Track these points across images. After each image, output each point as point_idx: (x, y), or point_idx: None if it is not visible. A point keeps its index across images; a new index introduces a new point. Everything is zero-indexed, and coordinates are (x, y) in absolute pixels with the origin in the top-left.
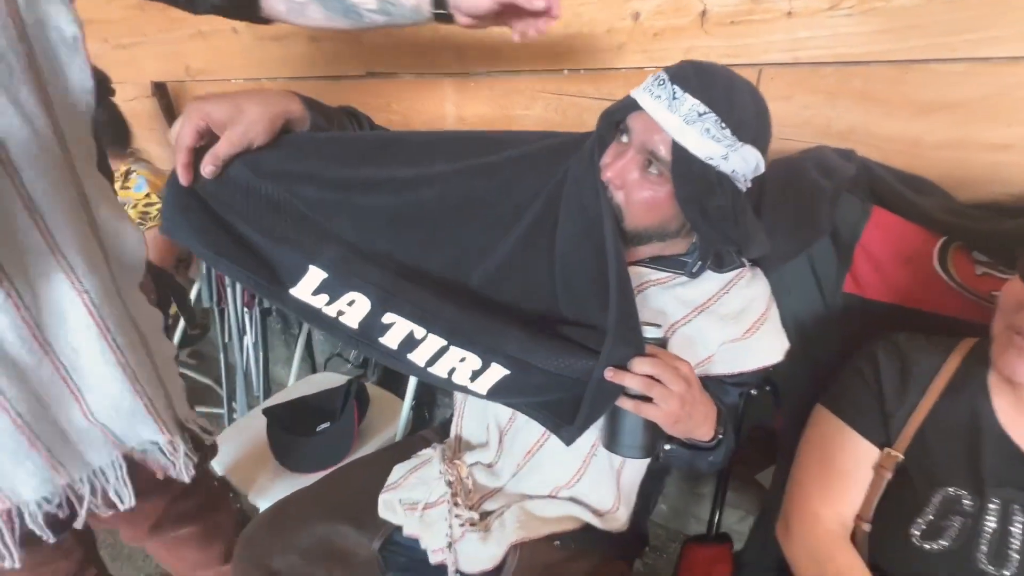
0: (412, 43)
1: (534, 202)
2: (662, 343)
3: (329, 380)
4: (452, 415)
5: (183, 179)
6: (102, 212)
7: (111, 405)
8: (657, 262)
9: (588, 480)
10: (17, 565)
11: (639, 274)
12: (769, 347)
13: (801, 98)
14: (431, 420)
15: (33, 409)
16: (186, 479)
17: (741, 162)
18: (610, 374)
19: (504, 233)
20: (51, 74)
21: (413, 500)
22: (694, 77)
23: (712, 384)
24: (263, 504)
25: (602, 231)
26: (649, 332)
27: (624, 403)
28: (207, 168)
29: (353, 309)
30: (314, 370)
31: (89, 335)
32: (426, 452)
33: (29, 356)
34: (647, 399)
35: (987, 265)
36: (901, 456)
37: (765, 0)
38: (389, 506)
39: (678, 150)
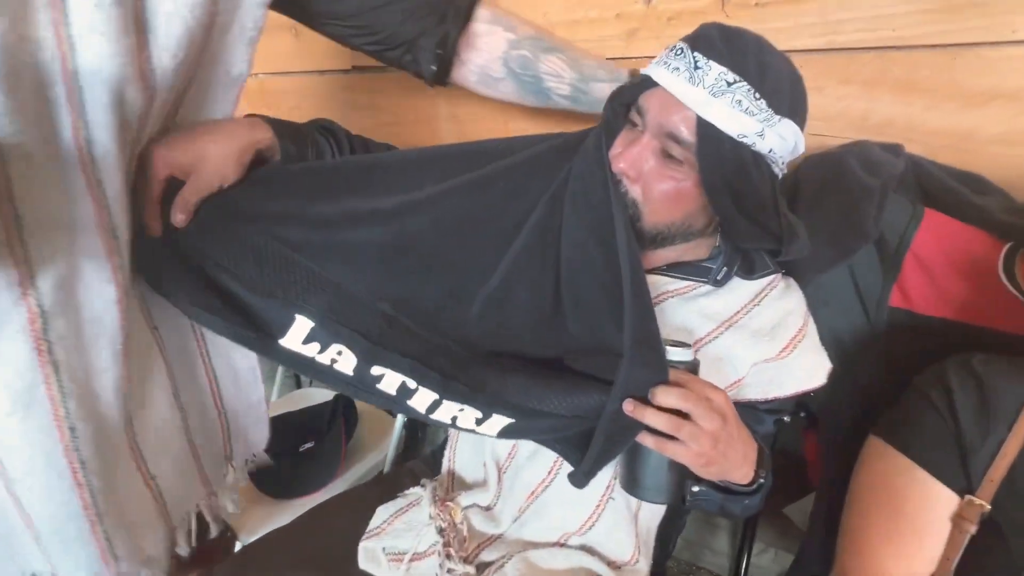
0: None
1: (535, 210)
2: (692, 367)
3: (315, 396)
4: (445, 441)
5: (153, 231)
6: None
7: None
8: (676, 269)
9: (603, 526)
10: None
11: (656, 284)
12: (810, 368)
13: (835, 89)
14: (424, 440)
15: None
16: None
17: (779, 140)
18: (629, 407)
19: (505, 249)
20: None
21: (399, 549)
22: (720, 42)
23: (744, 411)
24: (244, 537)
25: (613, 233)
26: (675, 354)
27: (646, 440)
28: (177, 218)
29: (343, 358)
30: (299, 385)
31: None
32: (414, 491)
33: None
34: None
35: None
36: (987, 506)
37: None
38: (371, 555)
39: (704, 128)
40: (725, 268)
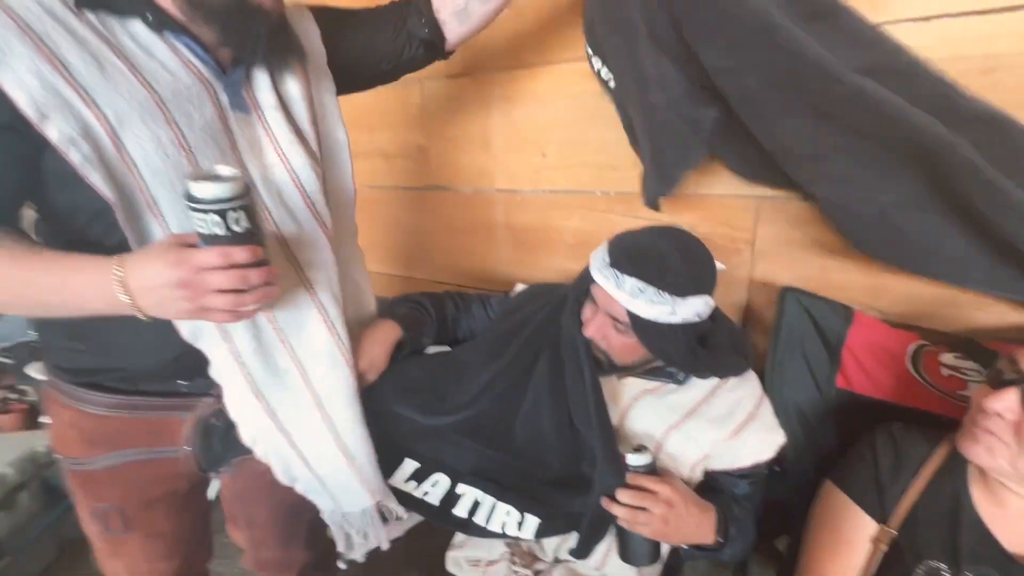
0: (469, 163)
1: (541, 359)
2: (650, 468)
3: None
4: None
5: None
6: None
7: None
8: (648, 373)
9: (613, 566)
10: None
11: (635, 384)
12: (759, 445)
13: (792, 223)
14: None
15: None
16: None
17: (688, 310)
18: (604, 503)
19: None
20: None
21: (476, 558)
22: (628, 263)
23: (721, 477)
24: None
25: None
26: (634, 460)
27: (621, 522)
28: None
29: (436, 488)
30: None
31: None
32: None
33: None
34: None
35: (951, 368)
36: (895, 532)
37: None
38: (456, 563)
39: (633, 316)
40: (683, 371)
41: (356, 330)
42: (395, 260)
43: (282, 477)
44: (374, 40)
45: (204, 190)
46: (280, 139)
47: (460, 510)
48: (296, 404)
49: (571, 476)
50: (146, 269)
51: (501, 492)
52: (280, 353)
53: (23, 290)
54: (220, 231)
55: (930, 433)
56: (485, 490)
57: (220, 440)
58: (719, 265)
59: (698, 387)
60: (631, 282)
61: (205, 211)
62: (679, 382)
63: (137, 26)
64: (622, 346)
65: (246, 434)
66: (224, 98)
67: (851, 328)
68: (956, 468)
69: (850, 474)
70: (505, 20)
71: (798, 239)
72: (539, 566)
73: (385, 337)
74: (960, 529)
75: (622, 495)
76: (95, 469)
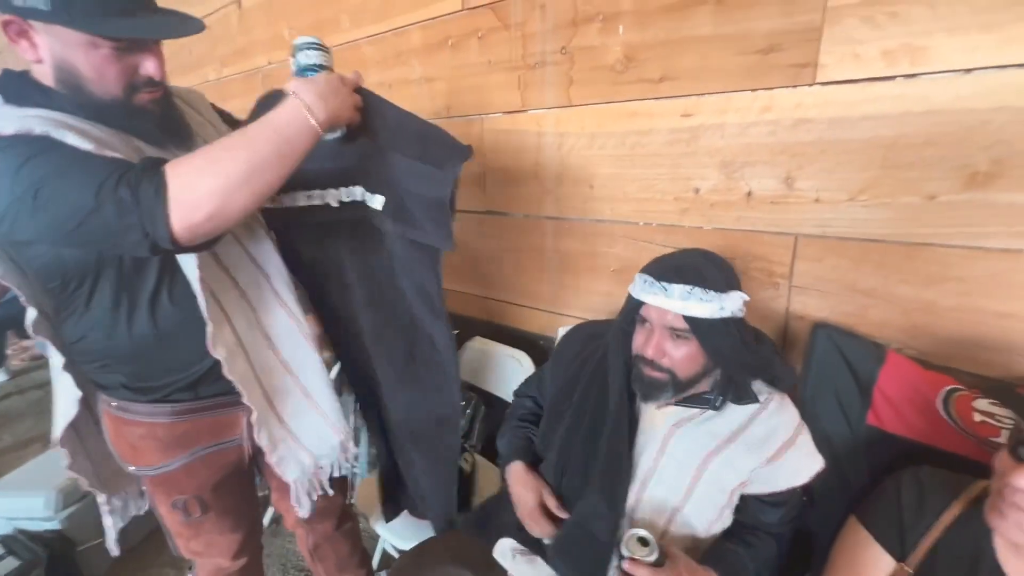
0: (522, 192)
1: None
2: (658, 561)
3: None
4: None
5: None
6: None
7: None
8: (685, 402)
9: None
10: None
11: (674, 413)
12: (795, 469)
13: (830, 260)
14: None
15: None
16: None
17: (732, 303)
18: None
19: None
20: None
21: (526, 546)
22: (670, 274)
23: (753, 503)
24: (390, 537)
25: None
26: (642, 555)
27: None
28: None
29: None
30: None
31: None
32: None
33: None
34: None
35: (984, 414)
36: (911, 571)
37: (797, 189)
38: (502, 551)
39: (689, 319)
40: (720, 396)
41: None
42: (455, 277)
43: (266, 448)
44: None
45: (314, 40)
46: None
47: None
48: (272, 370)
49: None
50: (310, 86)
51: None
52: (257, 331)
53: (246, 142)
54: (327, 63)
55: (958, 477)
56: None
57: None
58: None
59: (736, 413)
60: (679, 289)
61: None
62: (717, 408)
63: (77, 117)
64: (683, 357)
65: (256, 420)
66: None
67: (883, 367)
68: (981, 515)
69: (873, 510)
70: (560, 64)
71: (837, 276)
72: None
73: (530, 488)
74: None
75: None
76: (173, 469)
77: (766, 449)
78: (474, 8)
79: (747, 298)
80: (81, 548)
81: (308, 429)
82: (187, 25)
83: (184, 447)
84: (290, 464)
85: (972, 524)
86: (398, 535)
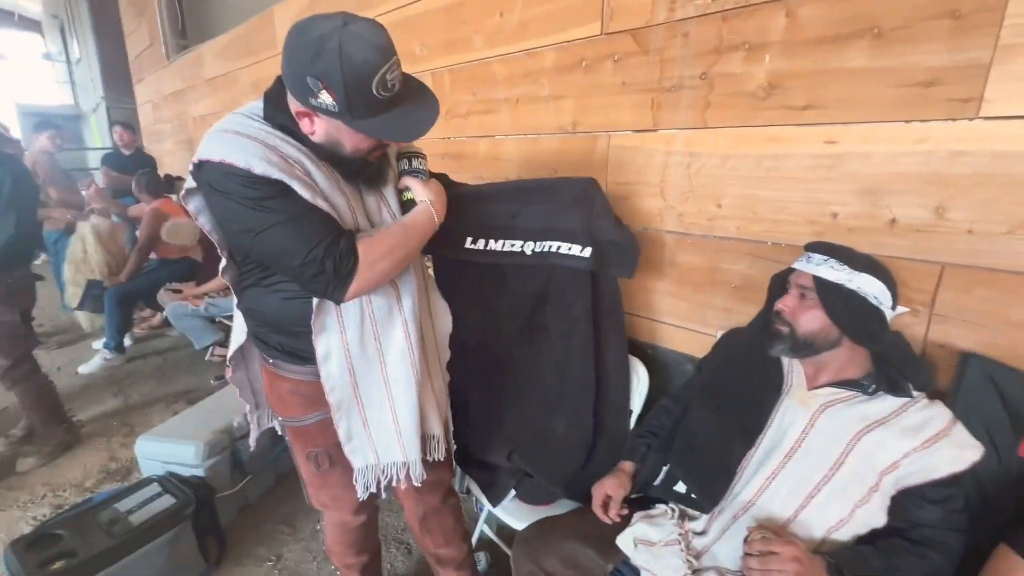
0: (644, 206)
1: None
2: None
3: None
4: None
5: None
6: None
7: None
8: (839, 385)
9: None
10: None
11: (824, 394)
12: (955, 456)
13: (980, 291)
14: None
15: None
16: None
17: (864, 283)
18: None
19: None
20: None
21: (648, 538)
22: (819, 246)
23: (907, 499)
24: (503, 515)
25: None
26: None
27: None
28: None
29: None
30: None
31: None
32: (660, 506)
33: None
34: None
35: None
36: None
37: (948, 219)
38: (625, 539)
39: (817, 279)
40: (874, 385)
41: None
42: None
43: (342, 437)
44: None
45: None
46: (391, 203)
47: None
48: (373, 381)
49: None
50: (433, 195)
51: None
52: (372, 346)
53: (404, 239)
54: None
55: None
56: None
57: None
58: (901, 308)
59: (888, 402)
60: (817, 256)
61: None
62: (869, 394)
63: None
64: (805, 314)
65: (335, 401)
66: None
67: None
68: None
69: None
70: (698, 88)
71: (987, 308)
72: (704, 561)
73: (614, 483)
74: None
75: (751, 561)
76: (309, 424)
77: (921, 435)
78: (613, 33)
79: (888, 294)
80: (217, 496)
81: (382, 436)
82: (431, 116)
83: (320, 405)
84: (358, 455)
85: None
86: (511, 515)
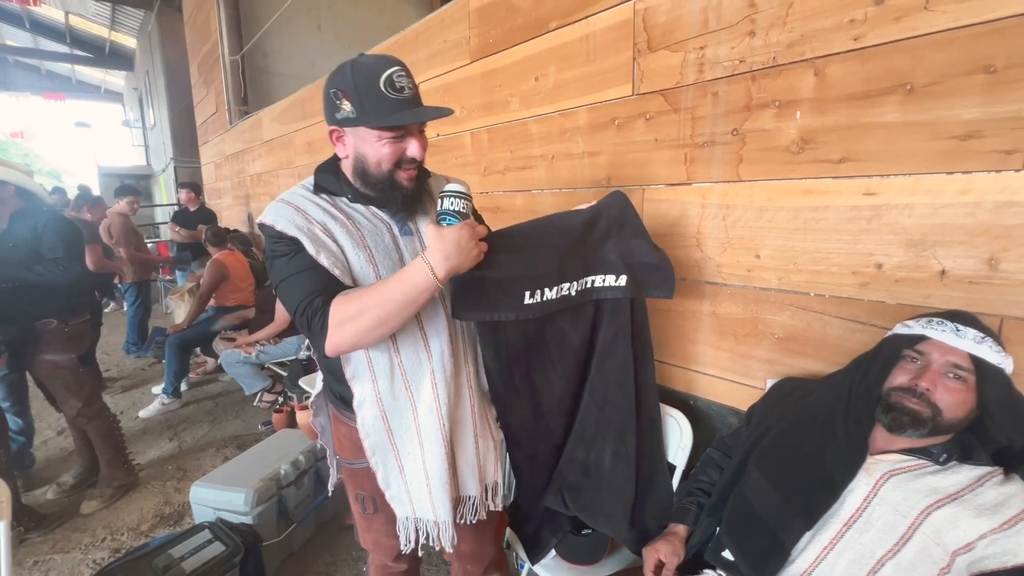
0: (680, 256)
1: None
2: None
3: None
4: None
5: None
6: None
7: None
8: (908, 452)
9: None
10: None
11: (889, 461)
12: None
13: None
14: None
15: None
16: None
17: (1009, 366)
18: None
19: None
20: None
21: None
22: (963, 318)
23: None
24: (542, 573)
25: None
26: None
27: None
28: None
29: None
30: None
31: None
32: (709, 573)
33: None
34: None
35: None
36: None
37: (1002, 270)
38: None
39: (979, 360)
40: (945, 454)
41: (452, 386)
42: None
43: (381, 483)
44: None
45: (460, 190)
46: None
47: None
48: (405, 431)
49: None
50: (439, 245)
51: None
52: (404, 396)
53: (382, 300)
54: (464, 210)
55: None
56: None
57: None
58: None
59: (961, 474)
60: (972, 332)
61: (463, 198)
62: (940, 464)
63: (345, 200)
64: (954, 397)
65: (369, 446)
66: (396, 230)
67: None
68: None
69: None
70: (730, 144)
71: None
72: None
73: (667, 549)
74: None
75: None
76: (359, 468)
77: (1000, 515)
78: (644, 94)
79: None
80: (264, 544)
81: (415, 489)
82: (440, 111)
83: None
84: (399, 505)
85: None
86: (551, 572)
